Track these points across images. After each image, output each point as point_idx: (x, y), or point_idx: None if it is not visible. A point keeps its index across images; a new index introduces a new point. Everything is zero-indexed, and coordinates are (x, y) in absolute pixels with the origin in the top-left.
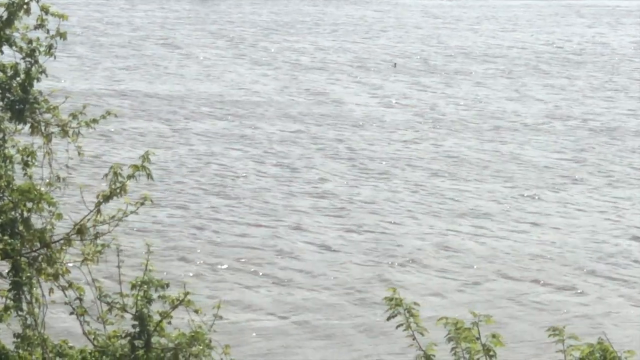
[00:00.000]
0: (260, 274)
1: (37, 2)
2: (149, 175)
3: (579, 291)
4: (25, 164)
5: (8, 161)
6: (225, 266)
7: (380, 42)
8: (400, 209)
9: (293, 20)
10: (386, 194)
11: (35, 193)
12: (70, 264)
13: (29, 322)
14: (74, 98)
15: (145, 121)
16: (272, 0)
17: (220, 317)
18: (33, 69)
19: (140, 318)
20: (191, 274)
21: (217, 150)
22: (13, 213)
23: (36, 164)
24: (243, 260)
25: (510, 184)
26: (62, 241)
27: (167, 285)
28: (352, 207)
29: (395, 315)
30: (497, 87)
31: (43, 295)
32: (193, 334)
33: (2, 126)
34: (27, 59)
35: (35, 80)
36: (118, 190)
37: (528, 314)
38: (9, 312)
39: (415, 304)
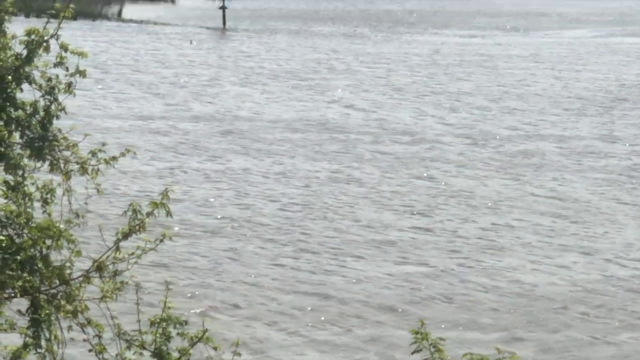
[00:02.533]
0: (281, 311)
1: (57, 39)
2: (168, 213)
3: (619, 329)
4: (45, 202)
5: (27, 199)
6: (244, 303)
7: (429, 78)
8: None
9: (328, 57)
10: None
11: (55, 230)
12: (89, 301)
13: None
14: (94, 134)
15: (170, 156)
16: (309, 39)
17: (239, 355)
18: (52, 106)
19: (159, 355)
20: (210, 311)
21: (238, 186)
22: (32, 250)
23: (55, 201)
24: (264, 297)
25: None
26: (81, 278)
27: (186, 322)
28: (400, 241)
29: (420, 350)
30: (572, 125)
31: (62, 333)
32: None
33: (21, 164)
34: (47, 96)
35: (54, 118)
36: (137, 228)
37: (559, 351)
38: (27, 350)
39: (440, 339)
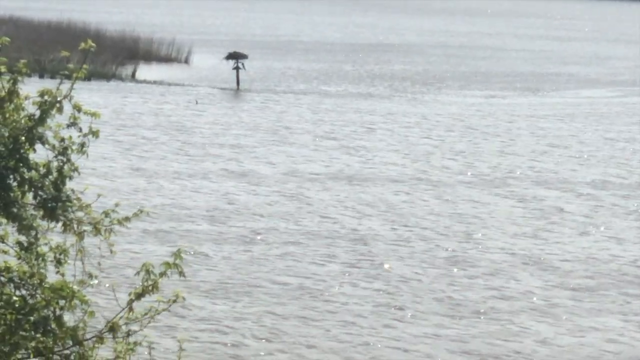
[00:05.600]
0: None
1: (70, 100)
2: (181, 273)
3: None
4: (58, 262)
5: (41, 259)
6: None
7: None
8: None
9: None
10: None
11: (68, 291)
12: None
13: None
14: (107, 196)
15: (184, 218)
16: (331, 99)
17: None
18: (65, 167)
19: None
20: None
21: (253, 247)
22: (46, 311)
23: (68, 261)
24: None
25: None
26: (94, 339)
27: None
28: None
29: None
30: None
31: None
32: None
33: (34, 224)
34: (60, 157)
35: (67, 179)
36: (150, 288)
37: None
38: None
39: None
